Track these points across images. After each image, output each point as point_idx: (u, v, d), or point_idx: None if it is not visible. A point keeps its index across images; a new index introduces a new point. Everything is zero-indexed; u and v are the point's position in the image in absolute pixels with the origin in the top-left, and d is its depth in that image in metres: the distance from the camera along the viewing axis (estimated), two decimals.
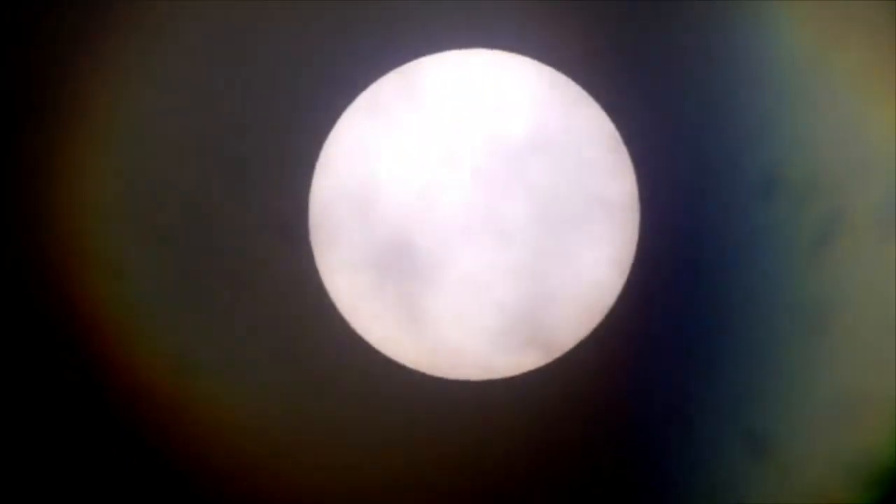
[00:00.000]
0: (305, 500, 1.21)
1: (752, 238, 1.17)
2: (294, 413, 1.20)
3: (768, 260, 1.17)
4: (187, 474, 1.20)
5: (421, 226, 1.14)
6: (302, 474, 1.21)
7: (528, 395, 1.20)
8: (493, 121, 1.15)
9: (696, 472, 1.19)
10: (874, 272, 1.15)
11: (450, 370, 1.18)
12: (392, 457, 1.21)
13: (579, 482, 1.21)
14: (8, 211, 1.18)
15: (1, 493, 1.19)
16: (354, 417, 1.20)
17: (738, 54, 1.17)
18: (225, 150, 1.18)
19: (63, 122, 1.18)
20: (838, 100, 1.15)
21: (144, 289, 1.18)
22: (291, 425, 1.20)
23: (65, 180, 1.18)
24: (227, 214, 1.18)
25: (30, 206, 1.18)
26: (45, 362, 1.19)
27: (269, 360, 1.19)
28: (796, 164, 1.16)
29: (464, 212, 1.14)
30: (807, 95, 1.16)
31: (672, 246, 1.19)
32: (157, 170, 1.18)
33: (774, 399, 1.17)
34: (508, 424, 1.21)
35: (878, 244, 1.15)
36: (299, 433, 1.20)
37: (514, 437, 1.21)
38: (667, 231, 1.18)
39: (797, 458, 1.17)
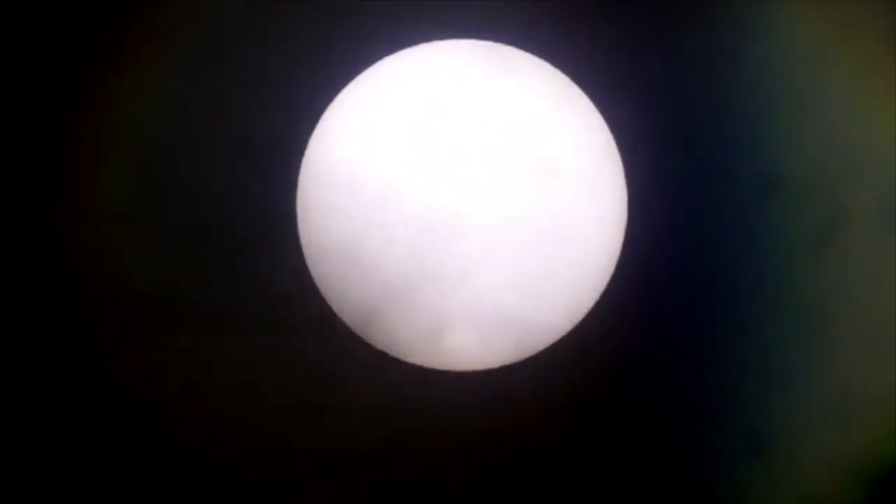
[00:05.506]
0: (297, 489, 1.21)
1: (751, 238, 1.17)
2: (288, 404, 1.20)
3: (767, 260, 1.17)
4: (186, 468, 1.20)
5: (409, 216, 1.14)
6: (296, 465, 1.21)
7: (519, 388, 1.20)
8: (483, 113, 1.15)
9: (696, 472, 1.19)
10: (873, 272, 1.15)
11: (437, 361, 1.18)
12: (380, 446, 1.21)
13: (571, 478, 1.21)
14: (8, 210, 1.18)
15: (2, 491, 1.19)
16: (342, 406, 1.20)
17: (737, 53, 1.17)
18: (215, 145, 1.18)
19: (61, 121, 1.18)
20: (838, 100, 1.15)
21: (141, 285, 1.19)
22: (285, 417, 1.20)
23: (63, 179, 1.18)
24: (216, 210, 1.18)
25: (29, 205, 1.18)
26: (46, 360, 1.19)
27: (263, 353, 1.19)
28: (796, 164, 1.16)
29: (451, 204, 1.14)
30: (806, 95, 1.16)
31: (665, 245, 1.19)
32: (152, 168, 1.18)
33: (774, 399, 1.17)
34: (500, 416, 1.21)
35: (877, 244, 1.15)
36: (292, 425, 1.20)
37: (505, 430, 1.21)
38: (659, 230, 1.18)
39: (797, 458, 1.17)
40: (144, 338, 1.19)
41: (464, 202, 1.14)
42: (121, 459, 1.20)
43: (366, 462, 1.21)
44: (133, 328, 1.19)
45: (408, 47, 1.17)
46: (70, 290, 1.18)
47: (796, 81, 1.16)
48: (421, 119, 1.15)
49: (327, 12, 1.17)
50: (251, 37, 1.17)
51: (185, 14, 1.17)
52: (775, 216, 1.17)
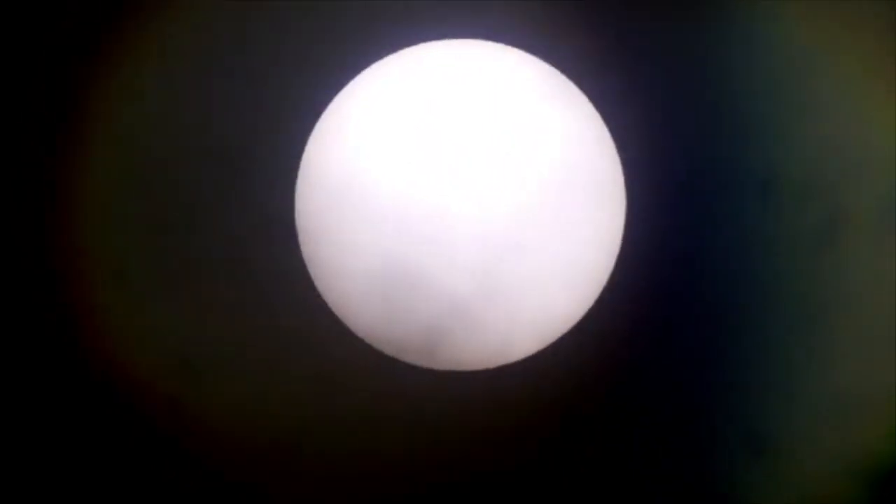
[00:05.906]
0: (299, 490, 1.21)
1: (750, 238, 1.17)
2: (287, 405, 1.20)
3: (767, 260, 1.17)
4: (186, 469, 1.20)
5: (408, 217, 1.14)
6: (297, 466, 1.21)
7: (517, 388, 1.20)
8: (481, 113, 1.15)
9: (696, 472, 1.19)
10: (873, 272, 1.15)
11: (439, 361, 1.18)
12: (383, 448, 1.21)
13: (571, 478, 1.21)
14: (8, 211, 1.18)
15: (1, 491, 1.19)
16: (346, 409, 1.20)
17: (736, 53, 1.17)
18: (212, 147, 1.18)
19: (61, 122, 1.18)
20: (838, 100, 1.15)
21: (140, 287, 1.19)
22: (285, 418, 1.20)
23: (61, 180, 1.18)
24: (215, 212, 1.18)
25: (28, 206, 1.18)
26: (45, 361, 1.19)
27: (263, 355, 1.19)
28: (796, 164, 1.16)
29: (452, 203, 1.14)
30: (806, 96, 1.16)
31: (664, 245, 1.19)
32: (151, 169, 1.18)
33: (774, 399, 1.17)
34: (498, 416, 1.21)
35: (877, 244, 1.15)
36: (293, 426, 1.20)
37: (504, 430, 1.21)
38: (658, 230, 1.18)
39: (797, 458, 1.17)
40: (143, 340, 1.19)
41: (461, 202, 1.14)
42: (119, 463, 1.20)
43: (363, 462, 1.21)
44: (131, 330, 1.19)
45: (406, 48, 1.17)
46: (68, 291, 1.18)
47: (796, 81, 1.16)
48: (418, 120, 1.15)
49: (324, 14, 1.17)
50: (248, 38, 1.17)
51: (182, 16, 1.17)
52: (775, 216, 1.17)
